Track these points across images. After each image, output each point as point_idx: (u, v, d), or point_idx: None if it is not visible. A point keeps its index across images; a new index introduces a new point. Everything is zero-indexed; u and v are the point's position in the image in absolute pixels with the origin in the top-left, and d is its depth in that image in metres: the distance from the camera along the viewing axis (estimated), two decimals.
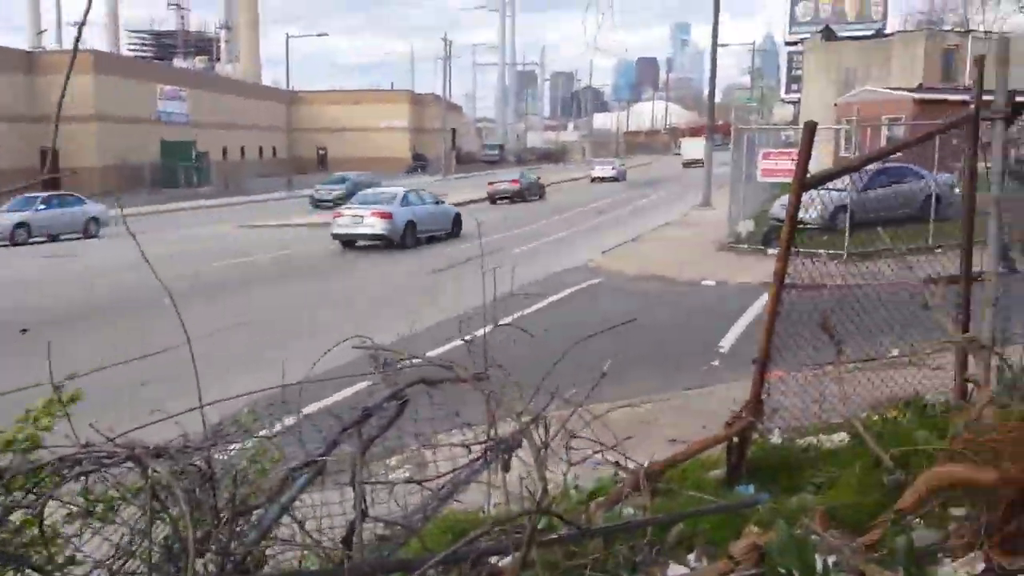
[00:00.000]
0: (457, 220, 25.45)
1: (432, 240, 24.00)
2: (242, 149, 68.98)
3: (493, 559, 3.59)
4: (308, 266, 20.20)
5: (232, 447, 2.50)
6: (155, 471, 1.93)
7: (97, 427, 2.16)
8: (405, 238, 22.76)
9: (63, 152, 48.06)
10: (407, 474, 4.09)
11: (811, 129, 5.23)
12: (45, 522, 2.05)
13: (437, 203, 25.78)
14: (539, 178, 46.91)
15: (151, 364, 7.23)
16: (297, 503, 2.64)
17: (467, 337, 3.02)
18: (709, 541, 4.27)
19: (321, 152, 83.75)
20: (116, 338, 12.03)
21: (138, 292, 14.78)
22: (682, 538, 4.25)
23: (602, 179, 58.31)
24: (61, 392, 2.54)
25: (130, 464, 2.04)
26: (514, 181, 43.79)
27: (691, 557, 4.18)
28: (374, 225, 22.45)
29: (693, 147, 42.05)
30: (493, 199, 41.76)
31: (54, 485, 2.02)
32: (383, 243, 22.58)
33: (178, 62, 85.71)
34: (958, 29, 55.22)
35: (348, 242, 23.23)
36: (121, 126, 48.34)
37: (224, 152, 63.61)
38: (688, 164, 35.04)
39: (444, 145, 75.66)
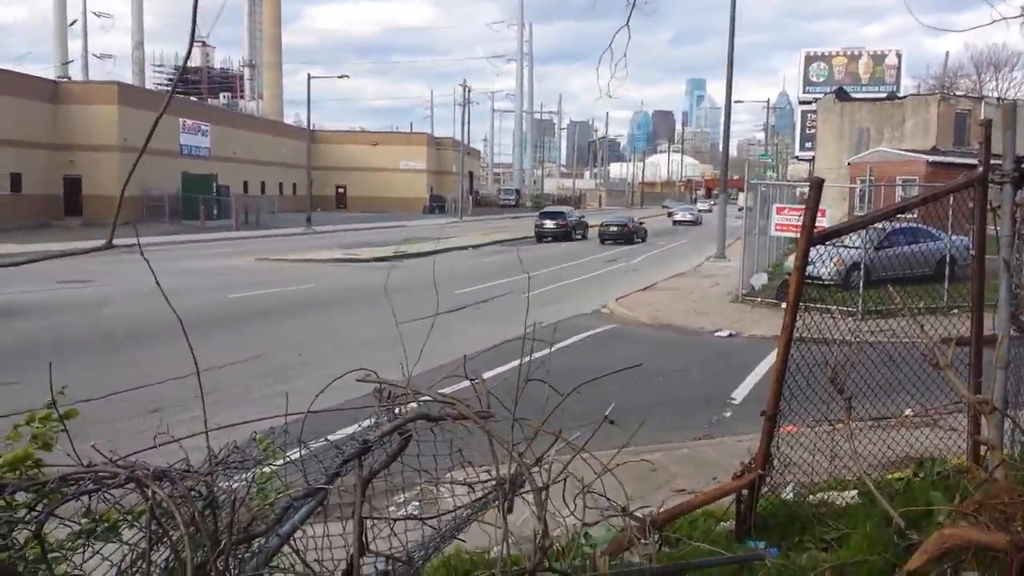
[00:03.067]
0: None
1: None
2: (262, 184, 69.68)
3: None
4: (330, 299, 20.24)
5: (237, 475, 2.49)
6: (156, 494, 1.92)
7: (100, 448, 2.16)
8: None
9: (86, 181, 48.70)
10: (415, 510, 4.05)
11: (818, 185, 5.27)
12: (47, 540, 2.03)
13: None
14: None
15: (163, 391, 7.20)
16: (298, 534, 2.61)
17: (473, 377, 3.01)
18: None
19: (340, 190, 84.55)
20: (132, 366, 12.06)
21: (171, 318, 14.89)
22: None
23: (682, 222, 70.78)
24: (58, 409, 2.54)
25: (132, 486, 2.03)
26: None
27: None
28: None
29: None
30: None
31: (55, 503, 2.01)
32: None
33: (202, 98, 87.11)
34: (971, 94, 55.63)
35: None
36: (144, 157, 48.93)
37: (244, 186, 64.24)
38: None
39: (461, 188, 76.22)
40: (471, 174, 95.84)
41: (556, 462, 2.85)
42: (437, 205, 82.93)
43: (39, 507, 2.00)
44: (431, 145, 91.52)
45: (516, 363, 3.42)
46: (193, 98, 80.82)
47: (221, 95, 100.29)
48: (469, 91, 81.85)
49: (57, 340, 14.07)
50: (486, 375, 3.28)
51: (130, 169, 2.57)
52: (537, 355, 3.57)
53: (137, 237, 2.64)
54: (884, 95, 57.27)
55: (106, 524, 2.19)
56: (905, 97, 53.26)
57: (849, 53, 66.72)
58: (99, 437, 2.65)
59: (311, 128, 63.64)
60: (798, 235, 17.99)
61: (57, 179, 48.53)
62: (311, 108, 54.95)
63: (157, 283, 2.57)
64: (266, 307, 18.68)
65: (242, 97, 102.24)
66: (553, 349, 3.31)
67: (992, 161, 5.46)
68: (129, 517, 2.13)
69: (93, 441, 2.52)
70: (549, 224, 45.85)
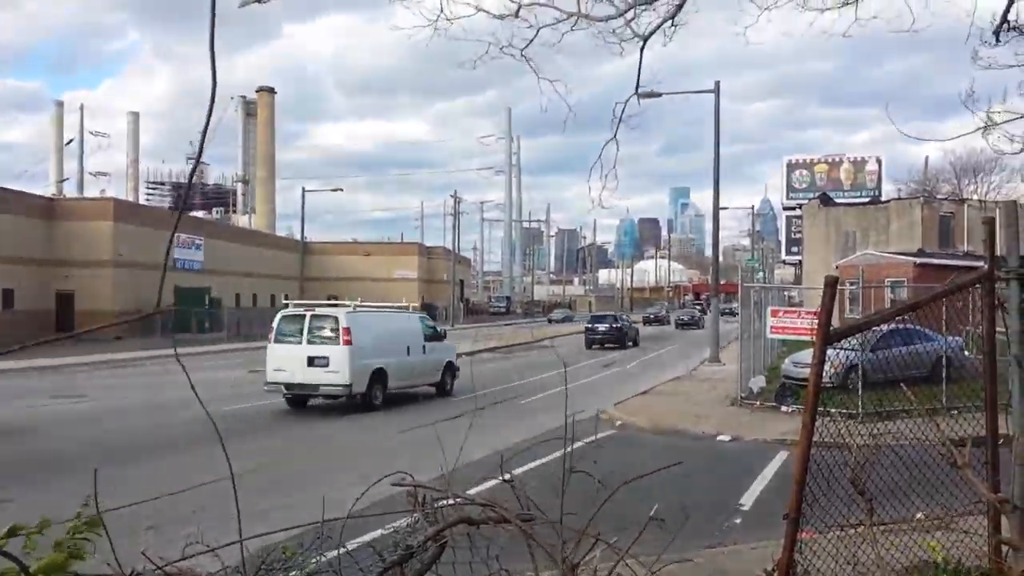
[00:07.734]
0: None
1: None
2: (254, 296, 69.86)
3: None
4: (327, 410, 20.02)
5: None
6: None
7: (149, 555, 2.10)
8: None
9: (79, 295, 48.76)
10: None
11: (832, 283, 5.28)
12: None
13: None
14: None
15: (158, 506, 7.01)
16: None
17: (507, 477, 2.97)
18: None
19: (332, 301, 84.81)
20: (124, 482, 11.79)
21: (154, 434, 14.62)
22: None
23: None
24: (89, 518, 2.49)
25: None
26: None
27: None
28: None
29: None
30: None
31: None
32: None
33: (197, 213, 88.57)
34: (953, 198, 57.00)
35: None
36: (138, 272, 49.28)
37: (237, 299, 64.38)
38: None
39: (452, 296, 76.66)
40: (462, 282, 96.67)
41: (599, 568, 2.79)
42: (429, 313, 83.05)
43: None
44: (422, 254, 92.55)
45: (528, 466, 3.39)
46: (188, 213, 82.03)
47: (215, 210, 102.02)
48: (460, 201, 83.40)
49: (56, 456, 13.81)
50: (511, 474, 3.23)
51: (160, 281, 2.59)
52: (544, 460, 3.53)
53: (176, 353, 2.62)
54: (867, 200, 58.62)
55: None
56: (889, 201, 54.57)
57: (830, 160, 68.68)
58: (99, 554, 2.57)
59: (304, 240, 64.34)
60: (795, 337, 17.97)
61: (50, 295, 48.61)
62: (306, 221, 55.83)
63: (194, 391, 2.55)
64: (261, 420, 18.44)
65: (235, 211, 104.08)
66: (557, 454, 3.26)
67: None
68: None
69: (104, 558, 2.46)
70: (601, 327, 48.27)
